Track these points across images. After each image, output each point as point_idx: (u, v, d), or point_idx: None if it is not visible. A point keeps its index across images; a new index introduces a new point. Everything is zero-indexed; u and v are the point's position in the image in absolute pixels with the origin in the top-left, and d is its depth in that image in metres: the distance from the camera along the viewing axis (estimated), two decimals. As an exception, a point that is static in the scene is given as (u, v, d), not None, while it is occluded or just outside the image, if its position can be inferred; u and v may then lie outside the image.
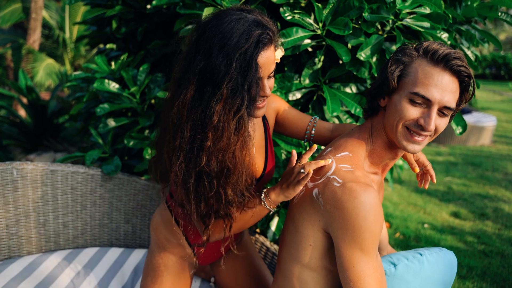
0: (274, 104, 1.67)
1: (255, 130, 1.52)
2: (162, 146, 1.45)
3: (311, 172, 1.30)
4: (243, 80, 1.23)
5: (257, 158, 1.55)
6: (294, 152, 1.42)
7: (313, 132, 1.64)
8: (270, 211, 1.43)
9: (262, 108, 1.37)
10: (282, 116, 1.68)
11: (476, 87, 1.99)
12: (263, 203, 1.40)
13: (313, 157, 2.05)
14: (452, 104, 1.26)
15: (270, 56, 1.29)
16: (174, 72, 1.38)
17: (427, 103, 1.26)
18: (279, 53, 1.37)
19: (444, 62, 1.25)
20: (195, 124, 1.27)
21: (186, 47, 1.34)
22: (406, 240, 3.86)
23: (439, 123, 1.28)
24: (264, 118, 1.61)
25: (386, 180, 2.60)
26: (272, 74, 1.35)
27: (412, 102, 1.27)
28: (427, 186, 1.62)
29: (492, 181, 5.73)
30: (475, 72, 2.30)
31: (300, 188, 1.34)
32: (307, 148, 2.05)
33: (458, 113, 1.98)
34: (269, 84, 1.35)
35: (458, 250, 3.69)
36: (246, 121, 1.28)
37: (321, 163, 1.32)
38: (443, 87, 1.24)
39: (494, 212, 4.61)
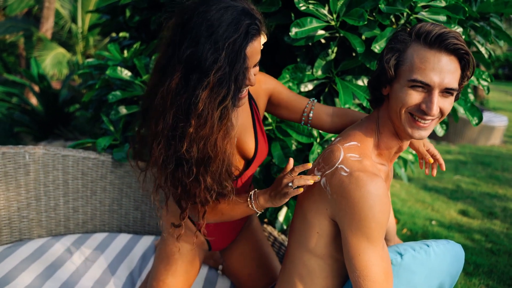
0: (265, 85, 1.64)
1: (239, 115, 1.51)
2: (143, 132, 1.47)
3: (301, 190, 1.28)
4: (231, 70, 1.23)
5: (247, 139, 1.55)
6: (291, 161, 1.39)
7: (310, 115, 1.63)
8: (257, 212, 1.43)
9: (244, 98, 1.38)
10: (276, 98, 1.66)
11: (491, 80, 1.99)
12: (250, 206, 1.40)
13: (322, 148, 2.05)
14: (454, 85, 1.24)
15: (258, 47, 1.29)
16: (156, 58, 1.37)
17: (427, 87, 1.24)
18: (262, 40, 1.37)
19: (438, 43, 1.22)
20: (178, 111, 1.27)
21: (169, 33, 1.32)
22: (413, 236, 3.86)
23: (443, 104, 1.26)
24: (250, 98, 1.60)
25: (399, 177, 2.59)
26: (258, 62, 1.35)
27: (413, 88, 1.25)
28: (434, 173, 1.61)
29: (502, 181, 5.68)
30: (488, 70, 2.28)
31: (285, 200, 1.34)
32: (318, 140, 2.06)
33: (473, 104, 1.97)
34: (254, 71, 1.35)
35: (466, 247, 3.67)
36: (230, 111, 1.29)
37: (310, 181, 1.29)
38: (441, 69, 1.22)
39: (502, 212, 4.58)
